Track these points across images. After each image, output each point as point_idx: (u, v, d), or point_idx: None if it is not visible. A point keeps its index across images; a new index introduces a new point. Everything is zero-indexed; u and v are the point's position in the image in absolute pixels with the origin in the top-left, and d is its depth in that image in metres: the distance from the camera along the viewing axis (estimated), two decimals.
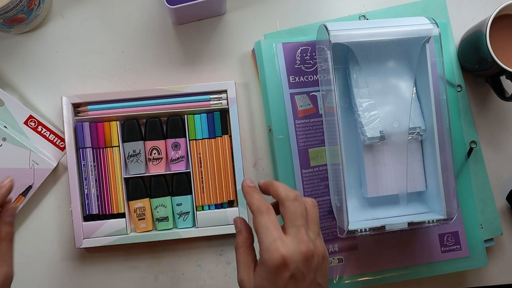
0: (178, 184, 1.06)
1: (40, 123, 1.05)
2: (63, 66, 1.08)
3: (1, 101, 1.02)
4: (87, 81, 1.08)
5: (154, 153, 1.05)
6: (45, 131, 1.05)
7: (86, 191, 1.04)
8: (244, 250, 0.82)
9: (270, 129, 1.05)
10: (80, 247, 1.03)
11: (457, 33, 1.12)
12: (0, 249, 0.80)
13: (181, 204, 1.06)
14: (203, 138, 1.05)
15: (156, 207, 1.06)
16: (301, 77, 1.06)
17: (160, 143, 1.05)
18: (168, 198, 1.06)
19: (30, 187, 1.03)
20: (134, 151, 1.04)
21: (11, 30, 1.06)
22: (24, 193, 1.03)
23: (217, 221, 1.05)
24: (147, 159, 1.05)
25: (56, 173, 1.07)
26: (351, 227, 0.95)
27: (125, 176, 1.05)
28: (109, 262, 1.07)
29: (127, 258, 1.07)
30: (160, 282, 1.08)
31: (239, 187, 1.05)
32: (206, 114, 1.05)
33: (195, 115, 1.05)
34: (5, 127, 1.03)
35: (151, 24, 1.10)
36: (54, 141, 1.06)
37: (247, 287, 0.79)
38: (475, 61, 1.06)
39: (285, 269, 0.74)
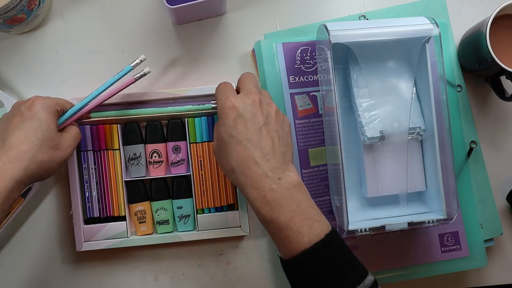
0: (178, 187, 1.06)
1: None
2: (63, 66, 1.08)
3: (1, 103, 1.02)
4: (87, 81, 1.07)
5: (155, 156, 1.05)
6: None
7: (87, 194, 1.04)
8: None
9: None
10: (81, 250, 1.03)
11: (457, 33, 1.12)
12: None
13: (182, 207, 1.06)
14: (203, 141, 1.05)
15: (157, 210, 1.06)
16: (301, 77, 1.06)
17: (160, 146, 1.05)
18: (168, 201, 1.06)
19: (30, 188, 1.03)
20: (134, 154, 1.04)
21: (11, 30, 1.05)
22: (24, 195, 1.03)
23: (217, 224, 1.05)
24: (147, 162, 1.05)
25: (56, 176, 1.07)
26: (351, 227, 0.95)
27: (125, 179, 1.05)
28: (109, 262, 1.08)
29: (127, 258, 1.08)
30: (160, 282, 1.08)
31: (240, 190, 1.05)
32: (206, 117, 1.05)
33: (195, 118, 1.05)
34: None
35: (151, 24, 1.10)
36: None
37: (214, 145, 0.91)
38: (475, 61, 1.06)
39: (234, 110, 0.86)
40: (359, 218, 1.00)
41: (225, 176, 1.05)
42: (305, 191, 0.86)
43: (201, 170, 1.04)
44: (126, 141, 1.05)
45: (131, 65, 0.95)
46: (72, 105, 0.96)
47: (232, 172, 0.87)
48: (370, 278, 0.82)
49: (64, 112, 0.95)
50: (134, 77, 0.95)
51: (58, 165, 0.90)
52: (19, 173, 0.83)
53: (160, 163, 1.05)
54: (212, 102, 0.94)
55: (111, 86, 0.98)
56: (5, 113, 0.93)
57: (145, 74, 0.95)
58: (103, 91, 0.96)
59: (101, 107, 1.02)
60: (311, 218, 0.83)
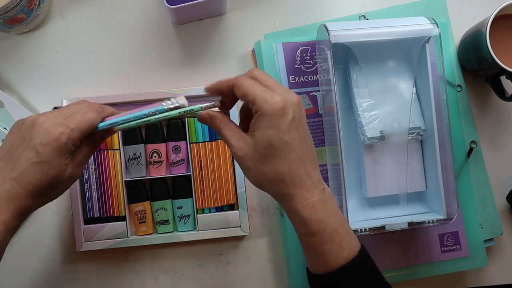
0: (178, 187, 1.06)
1: None
2: (63, 66, 1.08)
3: (1, 103, 1.02)
4: (87, 81, 1.08)
5: (155, 156, 1.05)
6: None
7: (87, 194, 1.04)
8: (227, 123, 0.82)
9: None
10: (81, 250, 1.04)
11: (457, 33, 1.12)
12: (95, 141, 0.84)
13: (182, 207, 1.06)
14: (203, 141, 1.05)
15: (157, 210, 1.06)
16: (301, 77, 1.06)
17: (160, 146, 1.05)
18: (168, 201, 1.06)
19: None
20: (134, 154, 1.04)
21: (11, 30, 1.05)
22: None
23: (217, 224, 1.05)
24: (147, 162, 1.06)
25: None
26: (351, 227, 0.94)
27: (125, 179, 1.05)
28: (109, 262, 1.08)
29: (127, 259, 1.08)
30: (160, 282, 1.08)
31: (240, 190, 1.05)
32: None
33: (195, 118, 1.05)
34: (4, 128, 1.03)
35: (151, 24, 1.10)
36: None
37: (246, 151, 0.79)
38: (475, 61, 1.06)
39: (286, 112, 0.76)
40: (359, 218, 1.00)
41: (225, 175, 1.05)
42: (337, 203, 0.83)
43: (201, 170, 1.04)
44: (126, 141, 1.05)
45: (165, 107, 0.86)
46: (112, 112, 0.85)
47: (279, 182, 0.78)
48: None
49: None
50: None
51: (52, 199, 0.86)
52: (24, 207, 0.79)
53: (160, 163, 1.05)
54: (210, 102, 0.85)
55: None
56: (19, 121, 0.83)
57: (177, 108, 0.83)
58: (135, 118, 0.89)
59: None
60: (349, 232, 0.81)
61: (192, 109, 0.82)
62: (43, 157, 0.77)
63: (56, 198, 0.85)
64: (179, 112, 0.81)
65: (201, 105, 0.82)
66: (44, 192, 0.80)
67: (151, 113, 0.81)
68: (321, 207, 0.78)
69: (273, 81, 0.80)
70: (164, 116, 0.82)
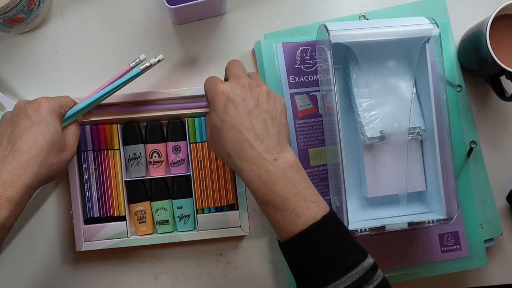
0: (178, 187, 1.06)
1: None
2: (63, 66, 1.08)
3: (2, 106, 1.02)
4: (87, 82, 1.08)
5: (155, 156, 1.05)
6: None
7: (87, 194, 1.04)
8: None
9: None
10: (81, 250, 1.03)
11: (457, 33, 1.12)
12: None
13: (182, 207, 1.06)
14: (203, 141, 1.05)
15: (157, 210, 1.06)
16: (301, 77, 1.06)
17: (160, 146, 1.05)
18: (168, 201, 1.06)
19: None
20: (134, 154, 1.04)
21: (11, 30, 1.05)
22: None
23: (217, 224, 1.05)
24: (147, 162, 1.05)
25: None
26: (351, 227, 0.95)
27: (125, 179, 1.05)
28: (109, 262, 1.08)
29: (127, 259, 1.08)
30: (160, 282, 1.08)
31: (240, 190, 1.05)
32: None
33: (195, 118, 1.05)
34: None
35: (151, 24, 1.10)
36: None
37: (208, 135, 0.91)
38: (475, 61, 1.06)
39: (223, 95, 0.86)
40: (359, 218, 1.00)
41: (225, 175, 1.05)
42: (302, 171, 0.85)
43: (201, 170, 1.04)
44: (126, 141, 1.05)
45: (140, 68, 0.94)
46: (75, 103, 0.96)
47: (228, 157, 0.86)
48: (369, 261, 0.82)
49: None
50: (141, 68, 0.95)
51: (65, 165, 0.91)
52: (30, 178, 0.82)
53: (160, 163, 1.05)
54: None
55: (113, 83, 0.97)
56: (6, 112, 0.92)
57: (151, 65, 0.96)
58: (109, 91, 0.96)
59: (101, 107, 1.03)
60: (308, 199, 0.82)
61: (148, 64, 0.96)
62: (37, 119, 0.87)
63: (62, 170, 0.92)
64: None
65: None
66: (47, 156, 0.86)
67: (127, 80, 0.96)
68: (269, 177, 0.82)
69: (237, 70, 0.91)
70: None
